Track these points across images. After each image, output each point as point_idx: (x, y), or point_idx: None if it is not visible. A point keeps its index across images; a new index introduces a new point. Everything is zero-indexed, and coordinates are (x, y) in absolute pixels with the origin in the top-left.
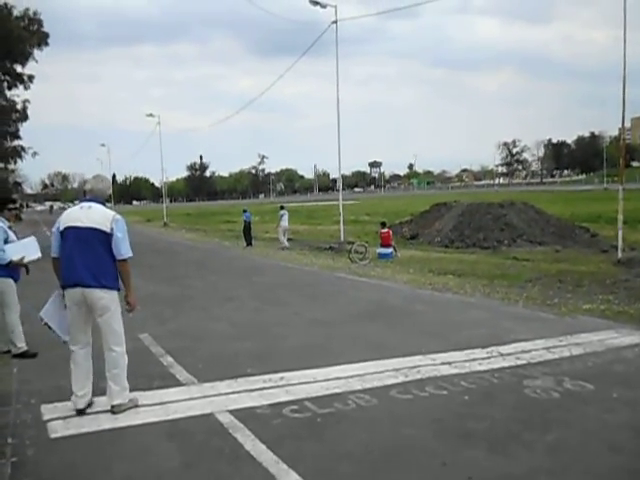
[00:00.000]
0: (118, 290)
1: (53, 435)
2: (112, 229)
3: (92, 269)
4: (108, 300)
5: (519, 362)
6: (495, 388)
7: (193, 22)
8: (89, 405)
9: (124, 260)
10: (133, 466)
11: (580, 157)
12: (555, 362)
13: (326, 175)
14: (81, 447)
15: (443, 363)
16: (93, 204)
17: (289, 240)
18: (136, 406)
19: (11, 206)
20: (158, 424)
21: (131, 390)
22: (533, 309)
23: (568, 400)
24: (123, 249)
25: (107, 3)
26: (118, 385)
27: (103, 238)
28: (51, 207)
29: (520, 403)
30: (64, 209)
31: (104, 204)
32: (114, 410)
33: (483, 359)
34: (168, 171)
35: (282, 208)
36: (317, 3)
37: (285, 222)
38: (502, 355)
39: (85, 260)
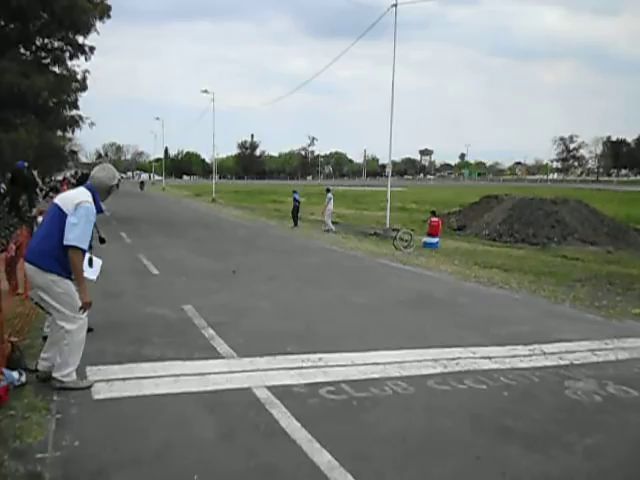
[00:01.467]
0: (59, 275)
1: (96, 396)
2: (69, 211)
3: (36, 245)
4: (40, 280)
5: (562, 362)
6: (536, 386)
7: (250, 0)
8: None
9: (71, 248)
10: (171, 433)
11: None
12: (599, 365)
13: (375, 160)
14: (122, 410)
15: (483, 357)
16: (82, 188)
17: (334, 223)
18: (81, 388)
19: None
20: (197, 394)
21: (172, 359)
22: (580, 309)
23: (610, 405)
24: (71, 235)
25: None
26: (61, 358)
27: (59, 217)
28: None
29: (560, 404)
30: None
31: (94, 193)
32: (51, 383)
33: (525, 356)
34: (219, 148)
35: (328, 191)
36: None
37: (331, 205)
38: (545, 354)
39: (37, 235)
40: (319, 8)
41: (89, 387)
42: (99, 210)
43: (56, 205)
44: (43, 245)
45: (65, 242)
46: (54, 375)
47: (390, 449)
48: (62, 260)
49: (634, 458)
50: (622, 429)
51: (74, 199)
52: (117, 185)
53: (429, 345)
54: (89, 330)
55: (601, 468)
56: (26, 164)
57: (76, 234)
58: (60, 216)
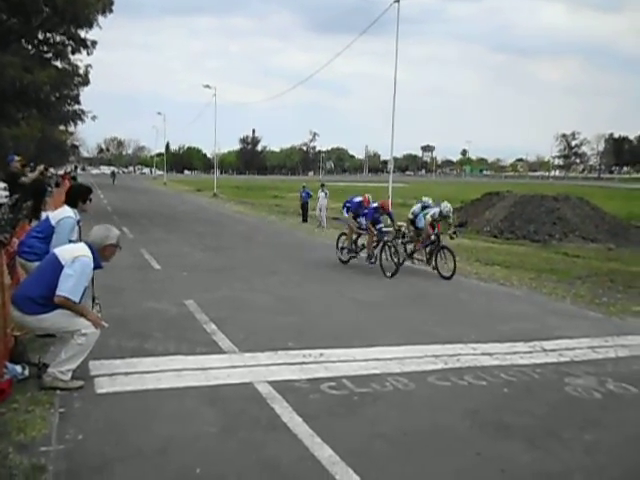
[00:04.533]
0: (43, 313)
1: (99, 391)
2: (66, 263)
3: (24, 290)
4: (27, 324)
5: (562, 359)
6: (535, 383)
7: None
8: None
9: (62, 298)
10: (173, 427)
11: None
12: (599, 362)
13: (377, 156)
14: (125, 404)
15: (484, 354)
16: (82, 243)
17: (335, 219)
18: (70, 389)
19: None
20: (199, 389)
21: (174, 354)
22: (580, 307)
23: (610, 401)
24: (63, 286)
25: None
26: (66, 354)
27: (54, 266)
28: (113, 173)
29: (560, 400)
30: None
31: (93, 250)
32: (41, 379)
33: (525, 353)
34: (220, 143)
35: (323, 186)
36: None
37: (325, 201)
38: (545, 350)
39: (27, 280)
40: (320, 3)
41: (79, 388)
42: (97, 266)
43: (54, 255)
44: (31, 292)
45: (58, 292)
46: (51, 370)
47: (391, 444)
48: (47, 305)
49: (632, 454)
50: (621, 426)
51: (73, 252)
52: (118, 245)
53: (430, 341)
54: None
55: (600, 464)
56: (17, 158)
57: (69, 286)
58: (56, 266)
